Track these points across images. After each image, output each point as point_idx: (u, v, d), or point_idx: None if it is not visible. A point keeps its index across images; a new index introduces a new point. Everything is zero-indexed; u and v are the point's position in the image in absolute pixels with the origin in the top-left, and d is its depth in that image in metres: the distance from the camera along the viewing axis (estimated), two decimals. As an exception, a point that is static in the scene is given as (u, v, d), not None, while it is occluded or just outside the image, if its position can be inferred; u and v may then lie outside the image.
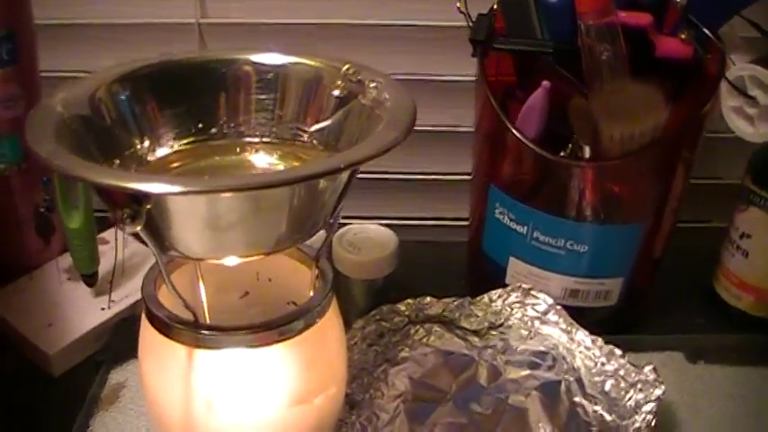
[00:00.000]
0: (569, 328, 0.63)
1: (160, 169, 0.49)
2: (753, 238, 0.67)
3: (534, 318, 0.64)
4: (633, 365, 0.59)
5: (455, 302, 0.65)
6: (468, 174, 0.75)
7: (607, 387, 0.59)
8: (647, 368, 0.58)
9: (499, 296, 0.65)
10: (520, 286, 0.64)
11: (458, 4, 0.64)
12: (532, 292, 0.64)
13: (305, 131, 0.51)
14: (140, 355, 0.49)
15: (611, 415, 0.58)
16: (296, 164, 0.50)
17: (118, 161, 0.47)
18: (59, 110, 0.45)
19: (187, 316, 0.46)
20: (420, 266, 0.75)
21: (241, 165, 0.51)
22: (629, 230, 0.64)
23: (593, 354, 0.61)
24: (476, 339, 0.63)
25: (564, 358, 0.62)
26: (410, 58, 0.81)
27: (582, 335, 0.62)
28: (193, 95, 0.51)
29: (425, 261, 0.79)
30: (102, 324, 0.66)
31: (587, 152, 0.61)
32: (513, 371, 0.61)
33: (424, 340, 0.63)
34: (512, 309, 0.64)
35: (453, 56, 0.74)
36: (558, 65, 0.63)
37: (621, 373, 0.59)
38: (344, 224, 0.69)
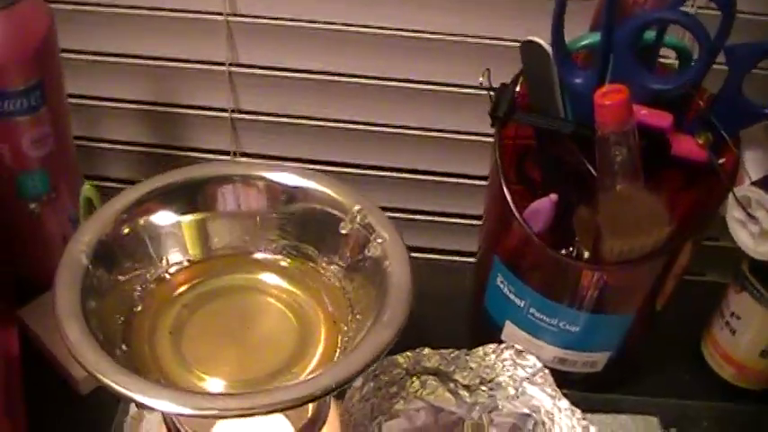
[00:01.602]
0: (554, 394, 0.67)
1: (170, 296, 0.52)
2: (742, 320, 0.69)
3: (523, 378, 0.68)
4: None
5: (452, 354, 0.69)
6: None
7: (580, 458, 0.65)
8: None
9: (493, 351, 0.69)
10: (513, 346, 0.68)
11: (480, 79, 0.64)
12: (524, 354, 0.68)
13: (311, 255, 0.54)
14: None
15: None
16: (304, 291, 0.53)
17: (139, 288, 0.51)
18: (84, 262, 0.48)
19: None
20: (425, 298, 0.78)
21: (253, 286, 0.54)
22: (621, 318, 0.67)
23: (573, 424, 0.66)
24: (466, 395, 0.68)
25: (544, 424, 0.67)
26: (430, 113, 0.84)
27: (565, 403, 0.67)
28: (208, 211, 0.54)
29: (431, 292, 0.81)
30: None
31: (587, 254, 0.63)
32: (496, 434, 0.67)
33: (418, 393, 0.68)
34: (503, 365, 0.69)
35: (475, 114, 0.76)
36: (575, 144, 0.64)
37: (594, 447, 0.65)
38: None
